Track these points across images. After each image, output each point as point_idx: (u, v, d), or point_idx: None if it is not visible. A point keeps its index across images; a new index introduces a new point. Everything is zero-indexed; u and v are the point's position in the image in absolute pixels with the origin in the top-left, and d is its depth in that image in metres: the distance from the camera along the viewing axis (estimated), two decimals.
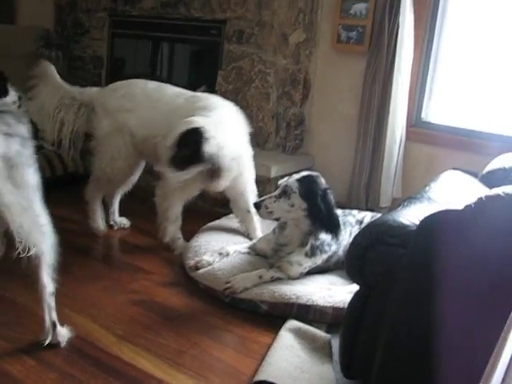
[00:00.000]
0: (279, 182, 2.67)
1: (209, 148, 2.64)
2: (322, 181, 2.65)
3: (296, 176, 2.65)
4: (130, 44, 4.93)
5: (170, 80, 4.77)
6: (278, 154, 3.90)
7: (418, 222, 1.70)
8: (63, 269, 2.78)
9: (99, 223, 3.27)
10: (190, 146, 2.61)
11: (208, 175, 2.76)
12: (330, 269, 2.80)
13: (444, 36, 3.46)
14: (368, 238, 1.80)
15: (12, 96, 3.07)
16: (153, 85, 3.18)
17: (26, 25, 5.60)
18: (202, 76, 4.35)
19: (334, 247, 2.71)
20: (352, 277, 1.90)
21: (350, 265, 1.86)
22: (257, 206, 2.63)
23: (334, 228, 2.61)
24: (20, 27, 5.63)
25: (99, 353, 2.13)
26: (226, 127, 2.78)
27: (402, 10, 3.28)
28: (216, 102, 2.97)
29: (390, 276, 1.74)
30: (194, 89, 4.15)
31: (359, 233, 1.86)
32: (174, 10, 4.39)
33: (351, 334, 1.90)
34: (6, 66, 4.73)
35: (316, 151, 3.91)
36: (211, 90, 4.11)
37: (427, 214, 1.64)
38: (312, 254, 2.65)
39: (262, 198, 2.64)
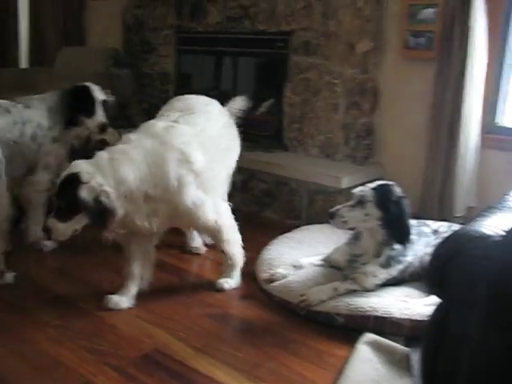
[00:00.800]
0: (353, 191, 2.64)
1: (86, 194, 2.34)
2: (397, 190, 2.61)
3: (371, 185, 2.61)
4: (195, 59, 5.02)
5: (235, 94, 4.84)
6: (347, 164, 3.87)
7: (502, 233, 1.65)
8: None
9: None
10: (68, 195, 2.37)
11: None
12: (406, 280, 2.73)
13: None
14: (449, 249, 1.75)
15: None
16: (191, 100, 3.00)
17: (96, 46, 5.80)
18: (269, 89, 4.37)
19: (409, 258, 2.66)
20: (432, 289, 1.85)
21: (431, 277, 1.81)
22: (332, 215, 2.59)
23: (402, 237, 2.56)
24: (90, 48, 5.84)
25: (178, 365, 2.15)
26: (124, 163, 2.45)
27: (472, 13, 3.19)
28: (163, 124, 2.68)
29: (472, 288, 1.68)
30: (260, 102, 4.22)
31: (440, 244, 1.82)
32: (239, 24, 4.43)
33: (433, 348, 1.85)
34: None
35: (386, 161, 3.85)
36: (279, 102, 4.14)
37: None
38: (387, 264, 2.60)
39: (337, 208, 2.61)
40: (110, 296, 2.62)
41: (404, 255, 2.63)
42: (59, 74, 5.30)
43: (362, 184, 2.74)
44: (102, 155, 2.47)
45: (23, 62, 6.76)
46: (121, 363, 2.15)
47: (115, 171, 2.41)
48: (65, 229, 2.44)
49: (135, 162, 2.45)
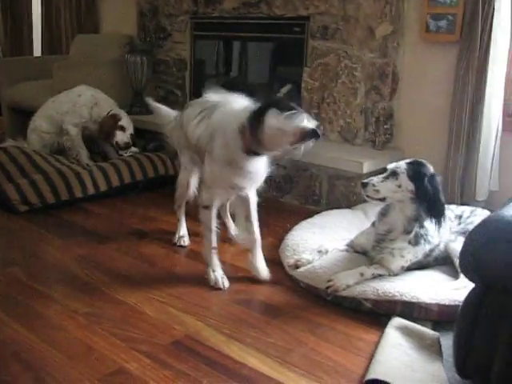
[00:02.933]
0: (387, 166, 2.66)
1: None
2: (431, 167, 2.62)
3: (405, 160, 2.64)
4: (212, 45, 5.01)
5: (252, 79, 4.83)
6: (367, 149, 3.86)
7: None
8: (166, 269, 2.90)
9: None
10: None
11: None
12: (430, 265, 2.73)
13: None
14: (484, 234, 1.75)
15: None
16: None
17: (111, 33, 5.79)
18: (287, 74, 4.36)
19: (436, 240, 2.66)
20: (467, 274, 1.85)
21: (465, 262, 1.81)
22: (364, 184, 2.62)
23: (438, 212, 2.55)
24: (105, 35, 5.83)
25: (210, 351, 2.16)
26: None
27: None
28: None
29: (509, 273, 1.69)
30: (278, 88, 4.19)
31: (474, 229, 1.81)
32: (256, 10, 4.41)
33: (467, 333, 1.85)
34: (95, 73, 4.94)
35: (406, 145, 3.84)
36: (297, 87, 4.13)
37: None
38: (416, 242, 2.60)
39: (370, 178, 2.63)
40: None
41: (432, 235, 2.63)
42: (75, 62, 5.31)
43: (384, 169, 2.76)
44: None
45: (37, 50, 6.78)
46: (153, 350, 2.16)
47: None
48: None
49: None
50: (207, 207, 2.70)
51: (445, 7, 3.46)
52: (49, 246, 3.19)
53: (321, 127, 2.36)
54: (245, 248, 2.90)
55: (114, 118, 4.20)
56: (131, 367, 2.05)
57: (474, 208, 2.95)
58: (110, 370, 2.04)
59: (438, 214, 2.55)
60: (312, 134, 2.32)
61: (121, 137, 4.21)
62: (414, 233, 2.60)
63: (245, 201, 2.79)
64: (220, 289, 2.67)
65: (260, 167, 2.63)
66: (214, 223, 2.74)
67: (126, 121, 4.25)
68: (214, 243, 2.75)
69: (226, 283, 2.70)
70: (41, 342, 2.21)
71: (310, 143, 2.36)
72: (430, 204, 2.54)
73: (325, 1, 3.95)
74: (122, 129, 4.21)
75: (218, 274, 2.72)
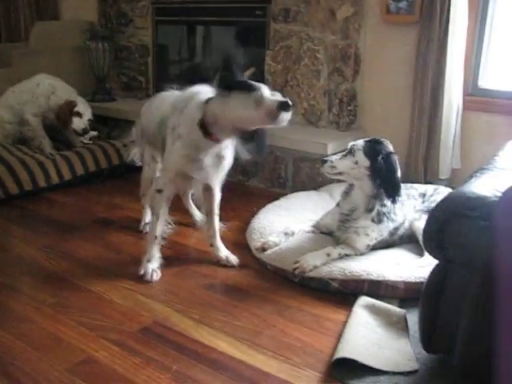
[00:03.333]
0: (348, 145, 2.70)
1: None
2: (389, 146, 2.67)
3: (365, 138, 2.71)
4: (173, 30, 4.95)
5: (214, 63, 4.79)
6: (331, 131, 3.88)
7: (498, 193, 1.68)
8: (133, 256, 2.88)
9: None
10: None
11: None
12: (396, 243, 2.78)
13: None
14: (446, 211, 1.77)
15: None
16: None
17: (71, 19, 5.68)
18: (250, 58, 4.33)
19: (400, 218, 2.69)
20: (431, 251, 1.88)
21: (428, 239, 1.84)
22: (323, 161, 2.68)
23: (392, 190, 2.60)
24: (65, 22, 5.72)
25: (179, 337, 2.16)
26: None
27: None
28: None
29: (471, 249, 1.72)
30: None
31: (436, 206, 1.84)
32: None
33: (431, 308, 1.89)
34: (56, 61, 4.86)
35: (370, 126, 3.87)
36: (260, 71, 4.12)
37: (507, 183, 1.61)
38: (379, 220, 2.64)
39: (330, 156, 2.70)
40: None
41: (395, 213, 2.66)
42: (35, 50, 5.20)
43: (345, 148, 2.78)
44: None
45: None
46: (121, 337, 2.15)
47: None
48: None
49: None
50: (159, 191, 2.62)
51: None
52: (13, 237, 3.15)
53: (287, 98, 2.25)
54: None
55: (69, 105, 4.13)
56: (100, 356, 2.04)
57: (437, 186, 2.99)
58: (78, 359, 2.03)
59: (392, 192, 2.59)
60: (284, 106, 2.21)
61: (77, 123, 4.16)
62: (375, 211, 2.64)
63: (209, 196, 2.77)
64: (148, 282, 2.59)
65: (223, 157, 2.63)
66: (163, 211, 2.66)
67: (82, 107, 4.19)
68: (158, 232, 2.68)
69: (156, 276, 2.62)
70: (7, 334, 2.18)
71: (286, 115, 2.24)
72: (384, 181, 2.58)
73: None
74: (79, 115, 4.15)
75: (151, 266, 2.64)
